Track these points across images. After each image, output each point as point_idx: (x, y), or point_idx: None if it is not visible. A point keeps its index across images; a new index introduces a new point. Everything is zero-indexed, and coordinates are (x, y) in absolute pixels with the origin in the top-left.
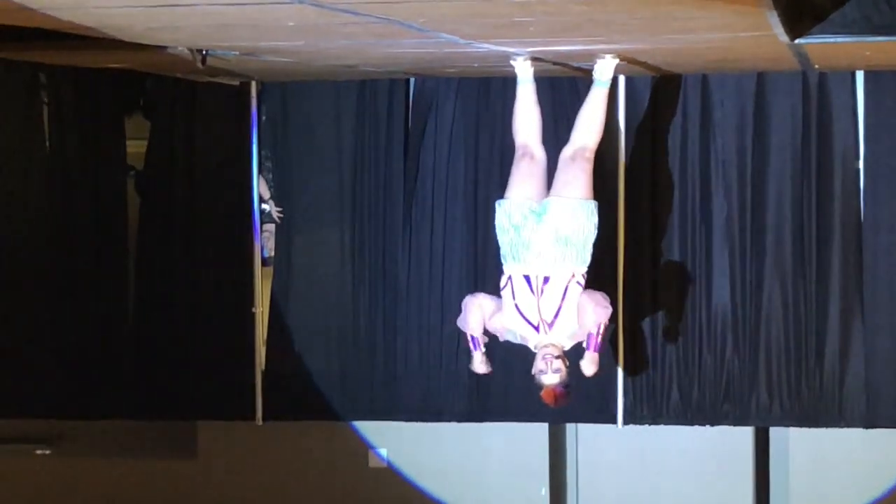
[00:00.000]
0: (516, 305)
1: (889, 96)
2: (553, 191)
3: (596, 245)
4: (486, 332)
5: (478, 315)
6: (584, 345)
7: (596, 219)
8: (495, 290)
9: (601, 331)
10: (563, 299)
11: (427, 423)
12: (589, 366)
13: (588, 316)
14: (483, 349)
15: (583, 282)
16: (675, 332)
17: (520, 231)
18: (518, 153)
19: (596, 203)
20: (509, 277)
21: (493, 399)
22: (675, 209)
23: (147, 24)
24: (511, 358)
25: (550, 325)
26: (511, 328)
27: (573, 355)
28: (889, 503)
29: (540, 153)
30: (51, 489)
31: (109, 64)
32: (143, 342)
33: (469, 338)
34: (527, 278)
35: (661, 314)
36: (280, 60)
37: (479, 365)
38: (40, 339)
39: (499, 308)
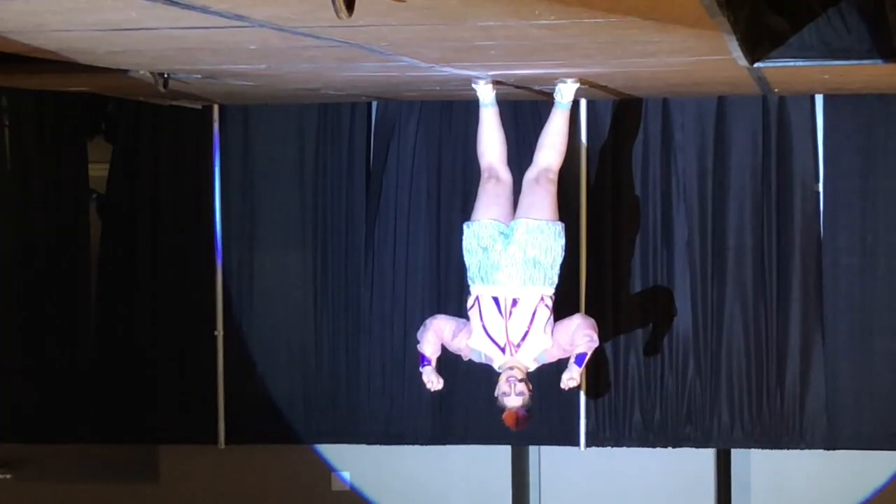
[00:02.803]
0: (484, 326)
1: (848, 119)
2: (519, 212)
3: (559, 267)
4: (447, 351)
5: (434, 339)
6: (573, 360)
7: (563, 240)
8: (459, 312)
9: (589, 355)
10: (531, 322)
11: (390, 446)
12: (575, 378)
13: (580, 339)
14: (433, 365)
15: (551, 304)
16: (637, 354)
17: (488, 253)
18: (484, 176)
19: (563, 224)
20: (477, 298)
21: (456, 422)
22: (637, 231)
23: (108, 47)
24: (474, 381)
25: (517, 346)
26: (477, 348)
27: (534, 379)
28: None
29: (506, 175)
30: None
31: (71, 87)
32: (105, 365)
33: (420, 355)
34: (496, 300)
35: (622, 337)
36: (242, 84)
37: (429, 379)
38: (1, 363)
39: (461, 328)
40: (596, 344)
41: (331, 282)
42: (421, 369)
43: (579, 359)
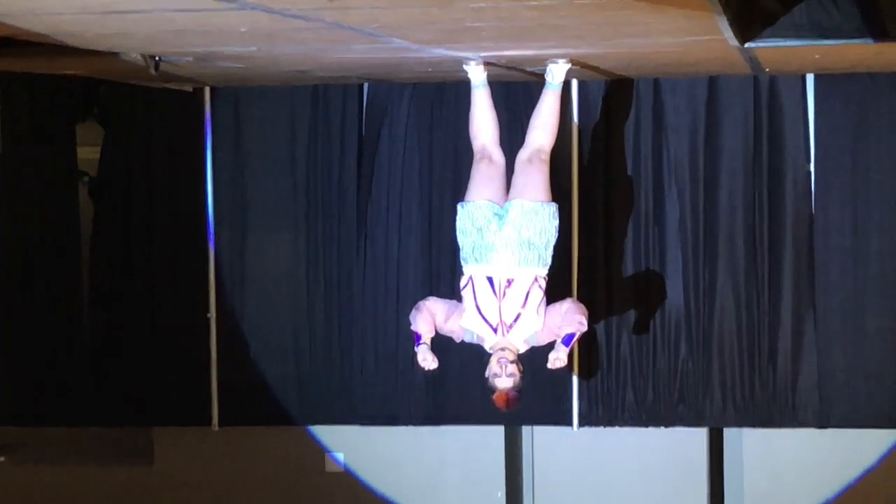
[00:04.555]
0: (477, 306)
1: (839, 99)
2: (513, 193)
3: (553, 248)
4: (439, 334)
5: (429, 319)
6: (560, 340)
7: (557, 221)
8: (450, 294)
9: (577, 337)
10: (524, 303)
11: (383, 427)
12: (561, 358)
13: (569, 321)
14: (427, 343)
15: (544, 285)
16: (630, 334)
17: (483, 233)
18: (477, 157)
19: (556, 205)
20: (470, 278)
21: (449, 403)
22: (629, 212)
23: (99, 30)
24: (467, 362)
25: (509, 327)
26: (469, 328)
27: (527, 359)
28: (842, 503)
29: (498, 156)
30: (6, 497)
31: (63, 70)
32: (98, 348)
33: (414, 335)
34: (490, 280)
35: (614, 317)
36: (233, 66)
37: (424, 358)
38: None
39: (453, 311)
40: (585, 328)
41: (323, 263)
42: (416, 348)
43: (567, 339)
